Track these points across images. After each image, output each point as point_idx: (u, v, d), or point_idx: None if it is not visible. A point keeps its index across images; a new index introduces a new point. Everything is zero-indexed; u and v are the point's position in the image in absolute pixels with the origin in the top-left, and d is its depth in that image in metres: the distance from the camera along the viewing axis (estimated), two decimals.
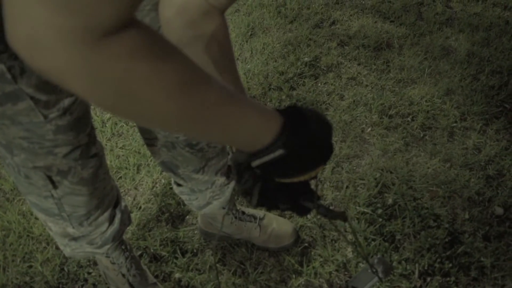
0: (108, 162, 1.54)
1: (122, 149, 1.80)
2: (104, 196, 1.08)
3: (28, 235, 1.51)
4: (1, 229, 1.52)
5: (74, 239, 1.11)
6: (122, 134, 1.88)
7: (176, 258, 1.42)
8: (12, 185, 1.69)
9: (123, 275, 1.27)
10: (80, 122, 0.90)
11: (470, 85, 2.01)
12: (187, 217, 1.56)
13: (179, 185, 1.28)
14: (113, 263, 1.26)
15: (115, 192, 1.15)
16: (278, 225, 1.43)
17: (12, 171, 0.95)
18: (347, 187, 1.60)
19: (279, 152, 0.54)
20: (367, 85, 2.05)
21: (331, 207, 1.54)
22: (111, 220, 1.13)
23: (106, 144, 1.80)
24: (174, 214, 1.57)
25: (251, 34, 2.42)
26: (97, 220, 1.09)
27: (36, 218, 1.55)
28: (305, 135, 0.57)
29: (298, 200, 0.67)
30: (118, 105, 0.44)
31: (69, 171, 0.94)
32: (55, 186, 0.96)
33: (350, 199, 1.56)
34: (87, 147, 0.94)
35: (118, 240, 1.19)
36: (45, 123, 0.83)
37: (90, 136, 0.95)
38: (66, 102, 0.84)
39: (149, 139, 1.15)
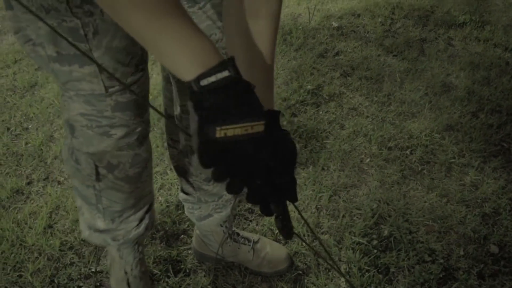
0: None
1: None
2: (141, 197, 1.11)
3: (21, 244, 1.49)
4: None
5: (99, 231, 1.13)
6: None
7: (168, 277, 1.41)
8: (9, 192, 1.68)
9: (126, 273, 1.27)
10: (138, 105, 0.92)
11: (470, 122, 2.03)
12: (182, 236, 1.55)
13: (186, 193, 1.30)
14: (121, 258, 1.26)
15: (151, 198, 1.17)
16: (272, 249, 1.43)
17: (67, 152, 0.99)
18: (343, 216, 1.60)
19: (226, 72, 0.55)
20: (367, 116, 2.07)
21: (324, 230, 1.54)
22: (139, 223, 1.15)
23: None
24: (169, 232, 1.56)
25: None
26: (128, 219, 1.11)
27: (30, 228, 1.54)
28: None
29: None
30: None
31: (117, 165, 0.97)
32: (98, 179, 0.98)
33: (346, 228, 1.56)
34: (142, 135, 0.97)
35: (137, 243, 1.22)
36: (105, 97, 0.85)
37: (145, 124, 0.97)
38: (129, 79, 0.87)
39: (173, 141, 1.18)
